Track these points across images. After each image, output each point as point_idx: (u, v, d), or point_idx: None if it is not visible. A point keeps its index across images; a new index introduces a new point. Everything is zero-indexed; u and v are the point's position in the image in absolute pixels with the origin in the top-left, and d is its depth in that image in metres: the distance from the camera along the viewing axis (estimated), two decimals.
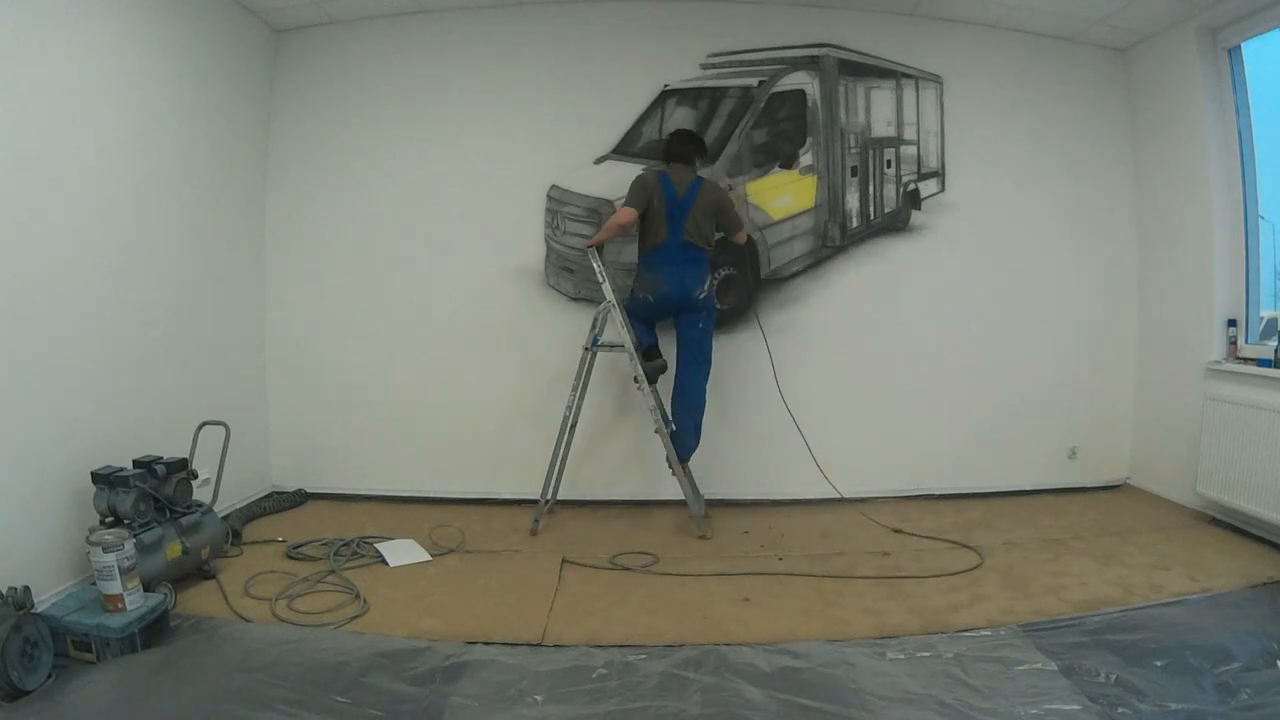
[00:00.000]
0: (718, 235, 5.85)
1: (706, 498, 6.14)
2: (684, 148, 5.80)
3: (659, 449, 5.93)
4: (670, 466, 5.74)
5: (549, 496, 5.95)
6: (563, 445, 5.91)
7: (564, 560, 5.18)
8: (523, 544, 5.56)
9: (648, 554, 5.29)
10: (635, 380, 5.69)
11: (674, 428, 5.79)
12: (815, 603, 4.52)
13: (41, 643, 3.50)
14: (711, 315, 5.84)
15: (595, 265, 5.71)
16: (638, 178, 5.73)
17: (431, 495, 6.48)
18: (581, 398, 5.90)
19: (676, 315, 5.79)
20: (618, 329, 5.70)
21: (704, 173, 6.06)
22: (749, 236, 6.10)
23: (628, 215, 5.56)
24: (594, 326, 5.84)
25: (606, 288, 5.68)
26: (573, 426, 5.93)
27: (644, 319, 5.86)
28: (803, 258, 6.51)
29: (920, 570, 5.02)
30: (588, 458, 6.52)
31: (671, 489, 5.98)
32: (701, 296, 5.69)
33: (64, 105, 4.38)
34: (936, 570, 5.00)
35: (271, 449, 6.67)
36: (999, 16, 6.35)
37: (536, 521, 5.84)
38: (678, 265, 5.63)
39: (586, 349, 5.82)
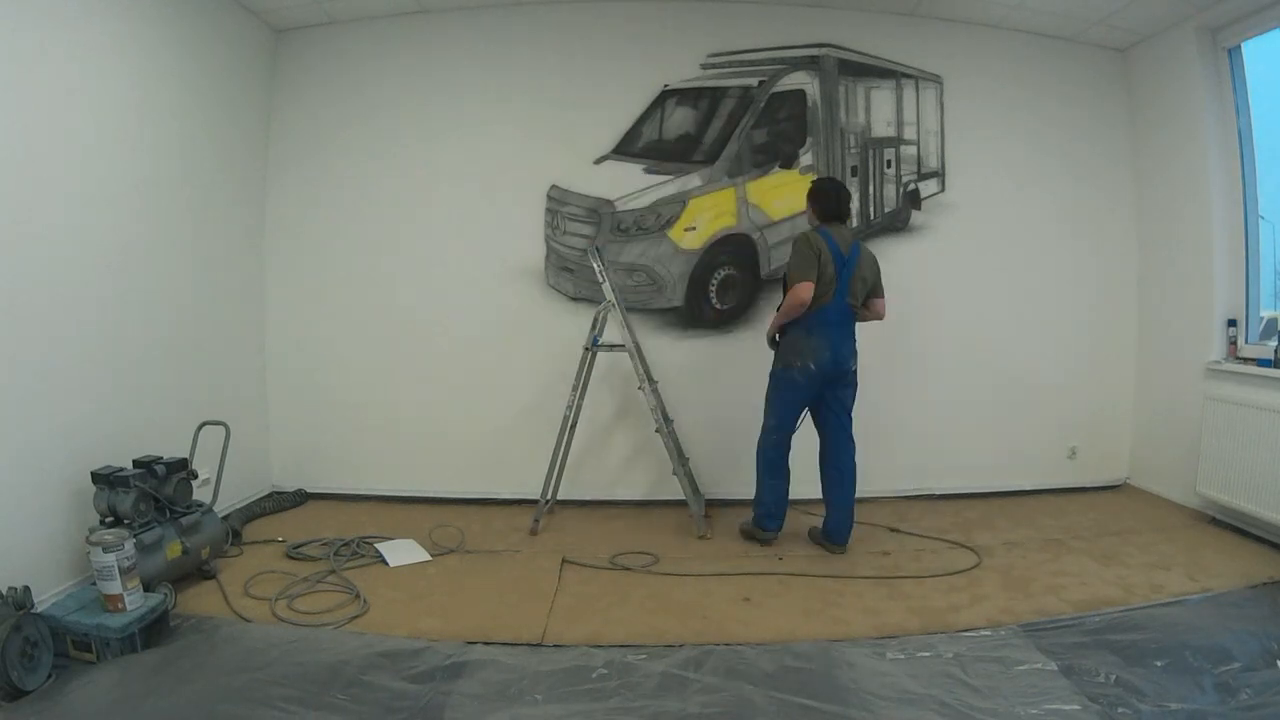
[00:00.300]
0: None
1: (707, 498, 6.17)
2: (843, 206, 5.32)
3: (657, 449, 5.94)
4: (673, 469, 5.73)
5: (549, 496, 5.95)
6: (563, 445, 5.91)
7: (564, 560, 5.18)
8: (523, 544, 5.56)
9: (648, 554, 5.30)
10: (639, 386, 5.69)
11: (824, 515, 5.51)
12: (815, 603, 4.52)
13: (41, 643, 3.50)
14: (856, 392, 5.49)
15: (596, 265, 5.72)
16: (802, 239, 5.19)
17: (431, 495, 6.48)
18: (581, 397, 5.89)
19: (827, 385, 5.31)
20: (618, 329, 5.71)
21: (701, 175, 6.08)
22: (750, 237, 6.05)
23: (807, 291, 5.04)
24: (594, 326, 5.83)
25: (607, 287, 5.69)
26: (573, 426, 5.92)
27: (794, 398, 5.35)
28: None
29: (920, 570, 5.03)
30: (588, 458, 6.52)
31: (671, 489, 6.00)
32: (854, 368, 5.37)
33: (63, 105, 4.38)
34: (937, 570, 5.01)
35: (271, 449, 6.67)
36: (999, 16, 6.35)
37: (536, 521, 5.84)
38: (838, 329, 5.21)
39: (587, 349, 5.81)
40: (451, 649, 3.88)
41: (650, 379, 5.78)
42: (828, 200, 5.27)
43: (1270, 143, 5.75)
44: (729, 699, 3.39)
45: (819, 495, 5.56)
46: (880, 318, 5.48)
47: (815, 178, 5.74)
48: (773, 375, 5.42)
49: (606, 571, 5.03)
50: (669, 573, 4.97)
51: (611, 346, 5.82)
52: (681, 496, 5.81)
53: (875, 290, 5.37)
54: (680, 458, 5.83)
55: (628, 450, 6.56)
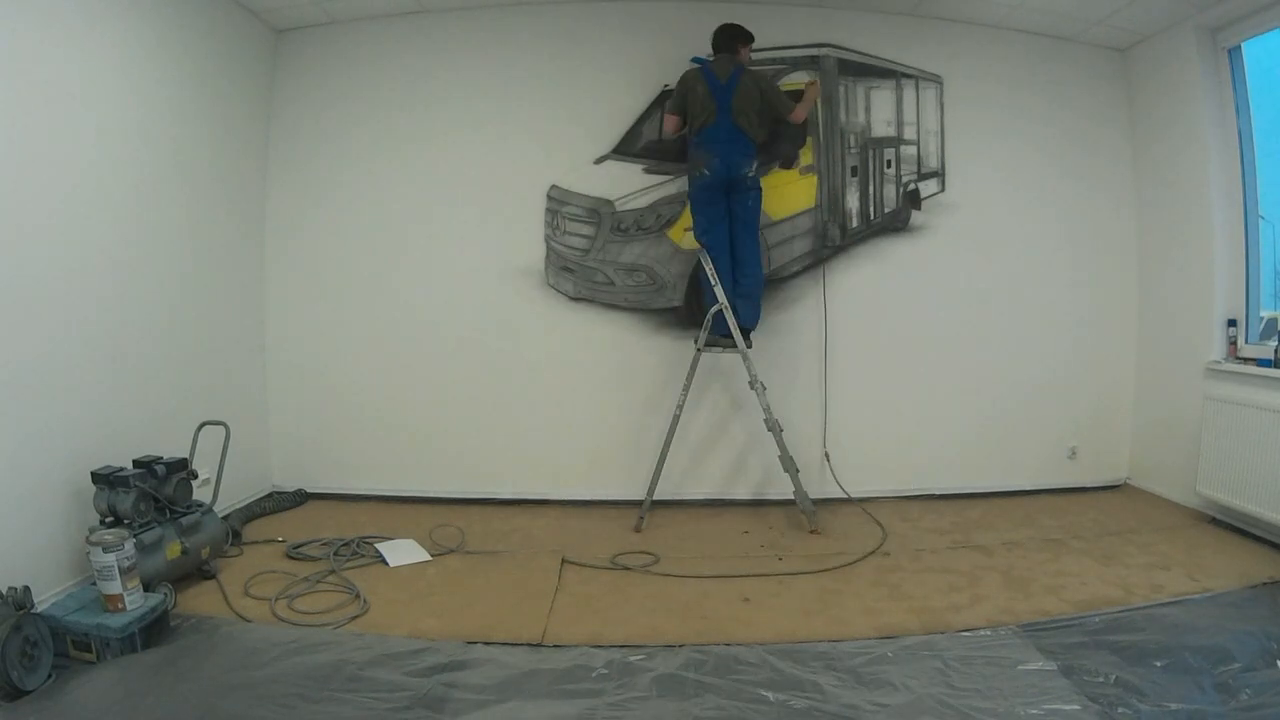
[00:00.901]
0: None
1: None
2: (725, 38, 6.00)
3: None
4: (784, 467, 5.80)
5: (650, 496, 6.01)
6: (668, 445, 5.99)
7: (564, 560, 5.18)
8: (523, 544, 5.55)
9: (648, 554, 5.30)
10: (750, 384, 5.88)
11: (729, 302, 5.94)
12: (815, 603, 4.52)
13: (41, 643, 3.50)
14: (759, 197, 6.03)
15: (707, 268, 5.94)
16: (680, 78, 6.04)
17: (432, 495, 6.48)
18: (685, 396, 6.00)
19: (728, 193, 5.92)
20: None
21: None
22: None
23: (671, 123, 6.07)
24: (705, 327, 5.98)
25: (718, 290, 5.87)
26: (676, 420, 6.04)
27: (704, 199, 5.95)
28: (802, 258, 6.50)
29: (920, 569, 5.03)
30: (598, 458, 6.56)
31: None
32: (750, 174, 5.90)
33: (63, 106, 4.38)
34: (938, 569, 5.02)
35: (271, 449, 6.67)
36: (1000, 16, 6.35)
37: (641, 519, 5.92)
38: (724, 144, 5.81)
39: (698, 350, 6.00)
40: (452, 649, 3.89)
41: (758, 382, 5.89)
42: (715, 36, 6.06)
43: (1270, 143, 5.75)
44: (729, 700, 3.39)
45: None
46: (795, 120, 6.11)
47: None
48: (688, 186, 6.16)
49: (606, 572, 5.02)
50: (669, 573, 4.97)
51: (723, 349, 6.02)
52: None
53: (779, 110, 6.03)
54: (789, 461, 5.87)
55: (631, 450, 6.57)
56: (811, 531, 5.75)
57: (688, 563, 5.16)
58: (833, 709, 3.30)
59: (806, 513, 5.81)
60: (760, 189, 6.00)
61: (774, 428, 5.75)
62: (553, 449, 6.43)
